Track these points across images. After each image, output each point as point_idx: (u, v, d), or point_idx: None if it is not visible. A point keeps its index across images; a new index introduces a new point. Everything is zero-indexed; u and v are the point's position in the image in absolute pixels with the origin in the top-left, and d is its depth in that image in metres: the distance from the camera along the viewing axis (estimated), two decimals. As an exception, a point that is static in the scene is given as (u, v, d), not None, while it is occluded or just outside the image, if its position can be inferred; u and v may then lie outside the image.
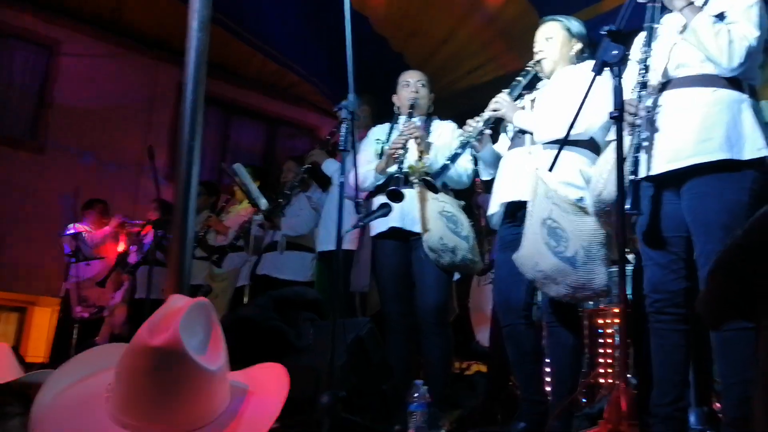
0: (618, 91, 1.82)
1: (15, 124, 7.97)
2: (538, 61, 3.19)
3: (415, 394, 2.85)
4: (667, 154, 2.42)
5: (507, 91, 3.18)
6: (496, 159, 3.31)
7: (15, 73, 8.03)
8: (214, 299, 5.53)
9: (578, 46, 3.20)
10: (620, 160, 1.77)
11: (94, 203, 7.25)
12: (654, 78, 2.50)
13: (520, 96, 3.22)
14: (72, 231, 6.59)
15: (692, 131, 2.38)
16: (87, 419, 1.36)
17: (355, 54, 2.81)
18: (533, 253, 2.82)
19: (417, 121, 3.68)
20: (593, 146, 2.99)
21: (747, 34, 2.36)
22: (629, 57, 2.17)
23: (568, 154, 2.85)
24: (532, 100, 3.20)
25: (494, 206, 3.20)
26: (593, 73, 2.06)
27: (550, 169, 2.17)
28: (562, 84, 3.09)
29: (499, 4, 5.82)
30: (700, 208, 2.37)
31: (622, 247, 1.79)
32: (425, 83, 3.86)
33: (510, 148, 3.20)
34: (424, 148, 3.57)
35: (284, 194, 4.85)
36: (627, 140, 2.43)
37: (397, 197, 3.26)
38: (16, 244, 7.37)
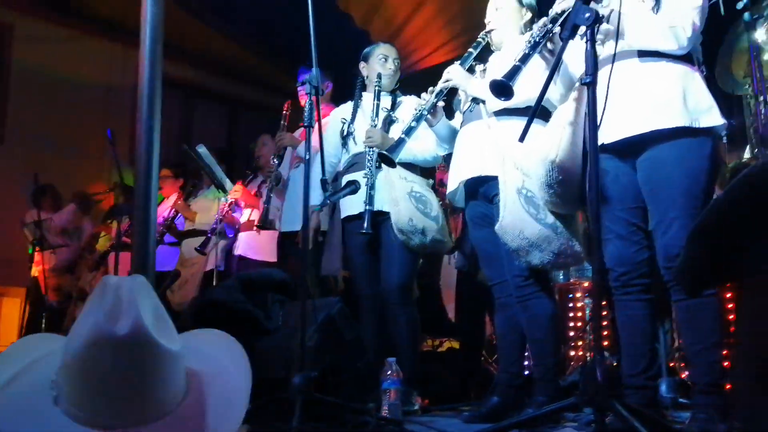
0: (590, 55, 1.79)
1: (-30, 114, 7.78)
2: (489, 32, 3.17)
3: (388, 372, 2.84)
4: (624, 122, 2.40)
5: (458, 62, 3.14)
6: (452, 134, 3.27)
7: (-33, 59, 7.82)
8: (184, 284, 5.47)
9: (528, 15, 3.18)
10: (594, 127, 1.74)
11: (46, 189, 7.15)
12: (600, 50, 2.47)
13: (471, 68, 3.18)
14: (33, 219, 6.49)
15: (649, 99, 2.38)
16: (40, 421, 1.26)
17: (318, 31, 2.76)
18: (516, 221, 2.77)
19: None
20: (546, 114, 2.90)
21: (687, 12, 2.36)
22: (603, 19, 2.13)
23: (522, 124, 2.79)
24: (483, 70, 3.16)
25: (454, 183, 3.15)
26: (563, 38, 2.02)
27: (521, 139, 2.14)
28: (513, 53, 3.06)
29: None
30: (661, 176, 2.36)
31: (597, 215, 1.76)
32: (399, 60, 3.85)
33: (464, 122, 3.15)
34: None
35: (267, 197, 4.72)
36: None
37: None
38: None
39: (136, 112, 2.68)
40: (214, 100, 9.63)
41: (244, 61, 8.86)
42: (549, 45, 2.58)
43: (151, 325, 1.26)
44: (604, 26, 2.31)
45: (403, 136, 3.10)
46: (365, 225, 3.40)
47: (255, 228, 4.77)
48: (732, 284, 2.06)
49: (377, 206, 3.51)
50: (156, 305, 1.33)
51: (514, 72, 2.49)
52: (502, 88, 2.51)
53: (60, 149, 7.95)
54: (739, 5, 2.78)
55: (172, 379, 1.30)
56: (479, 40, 3.16)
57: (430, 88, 3.16)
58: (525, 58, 2.53)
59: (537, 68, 2.61)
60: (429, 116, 3.16)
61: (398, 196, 3.41)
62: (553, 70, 2.03)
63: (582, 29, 2.00)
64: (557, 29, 2.54)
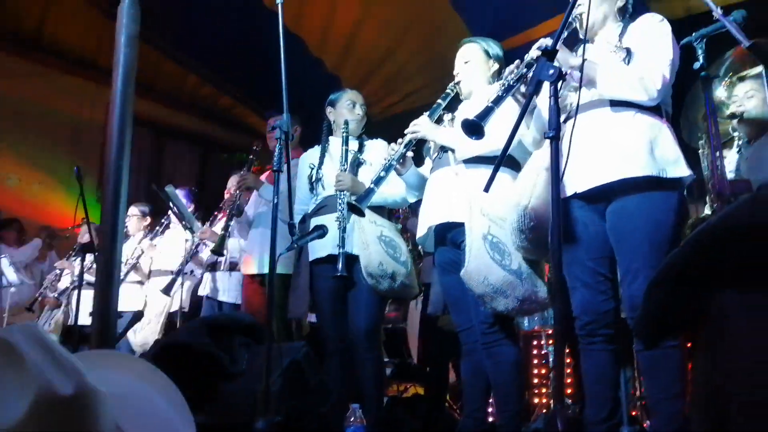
0: (553, 111, 1.83)
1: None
2: (457, 83, 3.24)
3: (351, 419, 2.82)
4: (595, 170, 2.46)
5: (427, 113, 3.21)
6: (422, 181, 3.32)
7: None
8: (147, 325, 5.40)
9: (495, 67, 3.27)
10: (556, 180, 1.78)
11: (11, 222, 7.05)
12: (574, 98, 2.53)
13: (440, 118, 3.24)
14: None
15: (618, 149, 2.43)
16: None
17: (290, 75, 2.79)
18: (481, 267, 2.80)
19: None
20: (515, 163, 3.00)
21: (657, 65, 2.44)
22: (567, 74, 2.19)
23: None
24: (451, 119, 3.22)
25: (423, 229, 3.19)
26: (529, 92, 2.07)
27: (487, 189, 2.16)
28: (480, 103, 3.13)
29: (436, 25, 5.95)
30: (628, 227, 2.41)
31: (558, 264, 1.79)
32: (365, 106, 3.90)
33: (434, 169, 3.20)
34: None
35: (226, 225, 4.72)
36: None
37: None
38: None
39: (105, 151, 2.67)
40: (185, 140, 9.61)
41: (216, 101, 8.88)
42: (522, 88, 2.60)
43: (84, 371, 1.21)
44: (576, 74, 2.38)
45: (372, 186, 3.14)
46: (340, 268, 3.41)
47: (211, 251, 4.76)
48: (690, 335, 2.09)
49: (347, 249, 3.52)
50: (53, 341, 1.28)
51: (487, 112, 2.51)
52: (473, 128, 2.51)
53: (26, 184, 7.86)
54: (696, 65, 2.87)
55: (110, 423, 1.27)
56: (448, 91, 3.23)
57: (399, 140, 3.22)
58: (498, 100, 2.55)
59: (507, 115, 2.66)
60: (398, 166, 3.21)
61: (368, 240, 3.42)
62: (520, 119, 2.08)
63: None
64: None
